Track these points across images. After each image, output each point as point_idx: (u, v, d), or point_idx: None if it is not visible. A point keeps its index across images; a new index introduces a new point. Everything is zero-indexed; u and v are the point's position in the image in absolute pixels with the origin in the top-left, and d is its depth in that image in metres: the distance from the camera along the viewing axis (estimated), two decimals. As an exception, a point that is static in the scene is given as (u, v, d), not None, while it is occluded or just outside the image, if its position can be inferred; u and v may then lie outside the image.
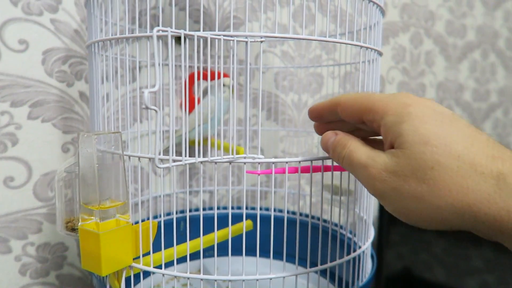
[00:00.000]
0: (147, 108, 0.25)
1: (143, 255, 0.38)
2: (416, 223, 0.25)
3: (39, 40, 0.54)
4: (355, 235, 0.50)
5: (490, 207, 0.21)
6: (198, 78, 0.60)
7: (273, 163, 0.35)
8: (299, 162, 0.36)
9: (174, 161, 0.30)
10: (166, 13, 0.62)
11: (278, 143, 0.77)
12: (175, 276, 0.38)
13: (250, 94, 0.72)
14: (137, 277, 0.38)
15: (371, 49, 0.41)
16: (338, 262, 0.39)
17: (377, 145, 0.28)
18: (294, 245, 0.37)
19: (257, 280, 0.36)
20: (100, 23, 0.41)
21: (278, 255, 0.39)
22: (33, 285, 0.57)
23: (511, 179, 0.22)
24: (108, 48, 0.40)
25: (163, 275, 0.38)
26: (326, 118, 0.33)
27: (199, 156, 0.33)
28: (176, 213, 0.64)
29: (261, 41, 0.33)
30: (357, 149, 0.28)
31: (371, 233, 0.46)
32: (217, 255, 0.39)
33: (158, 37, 0.31)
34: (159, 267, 0.38)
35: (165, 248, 0.41)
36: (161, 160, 0.32)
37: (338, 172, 0.40)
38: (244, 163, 0.34)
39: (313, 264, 0.38)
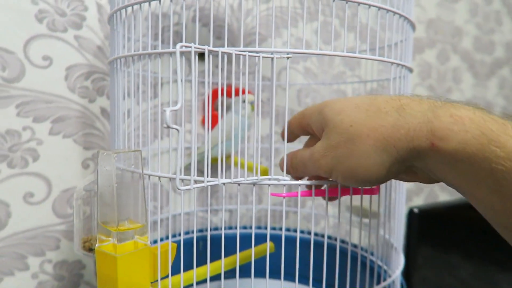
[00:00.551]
0: (168, 127, 0.24)
1: (161, 279, 0.37)
2: (364, 179, 0.28)
3: (63, 56, 0.54)
4: (382, 260, 0.47)
5: (399, 133, 0.26)
6: (222, 95, 0.59)
7: (300, 185, 0.33)
8: (327, 184, 0.34)
9: (196, 182, 0.28)
10: (188, 29, 0.62)
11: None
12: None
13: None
14: (154, 302, 0.37)
15: (402, 65, 0.39)
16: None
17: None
18: (318, 268, 0.35)
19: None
20: (123, 39, 0.40)
21: (302, 279, 0.37)
22: (49, 304, 0.56)
23: (408, 107, 0.27)
24: (130, 64, 0.39)
25: (182, 300, 0.36)
26: (294, 136, 0.37)
27: (221, 176, 0.32)
28: (202, 231, 0.63)
29: (288, 57, 0.32)
30: (303, 152, 0.33)
31: (401, 261, 0.44)
32: (238, 277, 0.37)
33: (181, 53, 0.30)
34: (178, 291, 0.36)
35: (184, 270, 0.40)
36: (182, 181, 0.30)
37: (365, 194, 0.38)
38: (269, 185, 0.33)
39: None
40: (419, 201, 0.95)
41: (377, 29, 0.36)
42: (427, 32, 0.90)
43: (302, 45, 0.72)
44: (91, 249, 0.42)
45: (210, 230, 0.65)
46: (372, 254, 0.47)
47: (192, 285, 0.37)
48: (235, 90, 0.62)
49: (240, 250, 0.39)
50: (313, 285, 0.35)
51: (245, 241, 0.38)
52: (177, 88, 0.24)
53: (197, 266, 0.38)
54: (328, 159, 0.29)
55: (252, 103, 0.55)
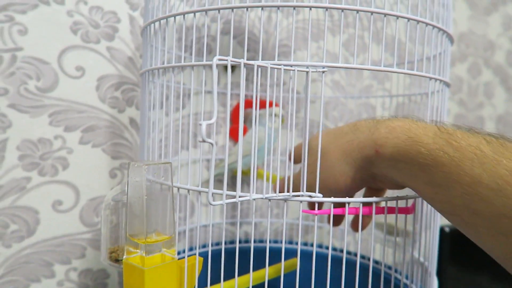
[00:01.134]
0: (204, 141, 0.23)
1: (187, 293, 0.36)
2: (335, 188, 0.33)
3: (95, 67, 0.55)
4: (414, 282, 0.45)
5: (352, 146, 0.32)
6: (253, 106, 0.59)
7: (332, 203, 0.32)
8: (361, 203, 0.32)
9: (227, 196, 0.28)
10: (216, 42, 0.62)
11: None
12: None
13: (298, 124, 0.70)
14: (180, 317, 0.36)
15: (440, 80, 0.38)
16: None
17: None
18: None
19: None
20: (156, 51, 0.40)
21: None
22: (73, 312, 0.56)
23: (359, 126, 0.33)
24: (160, 75, 0.39)
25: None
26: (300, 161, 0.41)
27: (252, 191, 0.31)
28: (218, 244, 0.62)
29: (323, 71, 0.31)
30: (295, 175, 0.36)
31: (434, 285, 0.42)
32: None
33: (210, 66, 0.30)
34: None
35: (210, 284, 0.39)
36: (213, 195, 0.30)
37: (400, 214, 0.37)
38: (301, 201, 0.32)
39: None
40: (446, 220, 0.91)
41: (409, 41, 0.35)
42: (458, 45, 0.88)
43: (330, 58, 0.71)
44: (117, 260, 0.42)
45: (231, 243, 0.64)
46: (406, 277, 0.46)
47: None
48: (262, 102, 0.61)
49: (264, 265, 0.38)
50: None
51: (270, 256, 0.37)
52: (213, 101, 0.24)
53: (214, 278, 0.37)
54: (308, 176, 0.34)
55: (282, 116, 0.54)
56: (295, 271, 0.37)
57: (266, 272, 0.36)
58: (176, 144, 0.58)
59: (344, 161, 0.33)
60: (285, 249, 0.38)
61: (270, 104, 0.61)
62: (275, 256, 0.39)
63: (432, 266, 0.41)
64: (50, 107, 0.52)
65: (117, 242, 0.44)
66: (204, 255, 0.56)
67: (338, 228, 0.69)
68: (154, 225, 0.36)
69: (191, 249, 0.59)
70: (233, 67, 0.62)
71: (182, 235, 0.61)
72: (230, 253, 0.38)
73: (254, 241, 0.65)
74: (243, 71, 0.27)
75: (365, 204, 0.33)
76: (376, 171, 0.32)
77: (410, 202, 0.35)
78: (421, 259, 0.40)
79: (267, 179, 0.53)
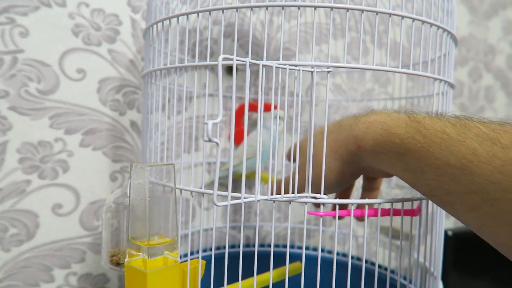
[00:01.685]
0: (210, 140, 0.23)
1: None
2: (327, 184, 0.34)
3: (96, 69, 0.55)
4: (417, 286, 0.44)
5: (338, 143, 0.34)
6: (258, 108, 0.59)
7: (338, 204, 0.32)
8: (366, 205, 0.32)
9: (232, 198, 0.27)
10: (218, 44, 0.62)
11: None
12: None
13: (302, 127, 0.69)
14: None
15: (444, 81, 0.38)
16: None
17: None
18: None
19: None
20: (158, 53, 0.40)
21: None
22: (72, 318, 0.55)
23: (342, 123, 0.35)
24: (162, 78, 0.39)
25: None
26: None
27: (257, 193, 0.30)
28: (220, 248, 0.62)
29: (328, 71, 0.31)
30: (288, 177, 0.37)
31: None
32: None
33: (211, 67, 0.30)
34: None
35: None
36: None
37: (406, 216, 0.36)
38: (306, 203, 0.31)
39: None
40: (449, 224, 0.91)
41: (414, 43, 0.35)
42: (459, 49, 0.88)
43: (332, 61, 0.71)
44: (118, 264, 0.41)
45: (234, 247, 0.64)
46: (410, 281, 0.45)
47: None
48: (265, 105, 0.61)
49: (267, 269, 0.38)
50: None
51: (274, 260, 0.36)
52: (218, 101, 0.24)
53: (223, 284, 0.36)
54: (302, 176, 0.35)
55: (283, 119, 0.54)
56: (298, 275, 0.37)
57: (271, 276, 0.35)
58: (178, 147, 0.57)
59: (332, 158, 0.35)
60: (285, 253, 0.38)
61: (274, 107, 0.61)
62: (276, 260, 0.39)
63: (437, 270, 0.41)
64: (50, 110, 0.52)
65: (118, 246, 0.43)
66: (204, 259, 0.55)
67: (340, 232, 0.69)
68: (156, 228, 0.35)
69: (191, 253, 0.58)
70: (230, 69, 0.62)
71: (183, 239, 0.60)
72: (230, 257, 0.37)
73: (255, 245, 0.65)
74: (248, 71, 0.27)
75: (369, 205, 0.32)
76: (362, 163, 0.34)
77: (416, 204, 0.35)
78: (426, 263, 0.40)
79: (271, 181, 0.52)
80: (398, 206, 0.34)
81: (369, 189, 0.41)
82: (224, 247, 0.62)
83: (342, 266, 0.34)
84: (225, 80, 0.64)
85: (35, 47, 0.51)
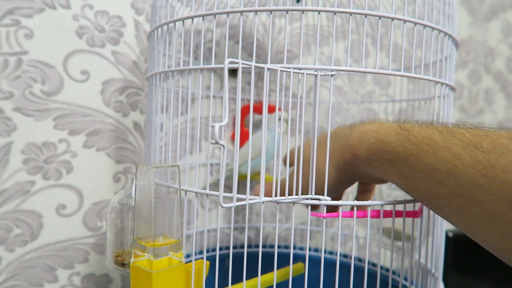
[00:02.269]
0: (216, 142, 0.23)
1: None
2: (327, 189, 0.34)
3: (100, 71, 0.55)
4: (412, 283, 0.45)
5: (335, 152, 0.35)
6: (263, 110, 0.59)
7: (341, 206, 0.32)
8: (369, 206, 0.33)
9: (238, 200, 0.28)
10: (220, 46, 0.62)
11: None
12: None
13: (303, 129, 0.70)
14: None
15: (446, 84, 0.38)
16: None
17: None
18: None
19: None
20: (162, 56, 0.41)
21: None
22: (75, 317, 0.56)
23: (338, 133, 0.36)
24: (167, 79, 0.40)
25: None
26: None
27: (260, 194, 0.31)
28: (221, 249, 0.62)
29: (332, 75, 0.31)
30: (284, 179, 0.38)
31: (441, 288, 0.41)
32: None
33: (215, 70, 0.30)
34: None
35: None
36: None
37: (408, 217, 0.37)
38: (308, 205, 0.32)
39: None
40: (449, 225, 0.91)
41: (415, 46, 0.35)
42: (458, 52, 0.89)
43: (334, 64, 0.71)
44: (123, 264, 0.42)
45: (236, 247, 0.64)
46: (412, 282, 0.45)
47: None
48: (269, 107, 0.61)
49: (269, 270, 0.38)
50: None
51: (273, 261, 0.37)
52: (224, 103, 0.24)
53: (225, 284, 0.37)
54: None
55: (286, 121, 0.54)
56: (299, 276, 0.37)
57: (275, 277, 0.36)
58: (181, 148, 0.58)
59: (329, 165, 0.36)
60: (286, 254, 0.38)
61: (274, 109, 0.61)
62: (278, 260, 0.39)
63: (438, 271, 0.41)
64: (54, 111, 0.52)
65: (123, 246, 0.44)
66: (211, 258, 0.56)
67: (342, 233, 0.69)
68: (161, 229, 0.36)
69: (200, 252, 0.59)
70: (234, 72, 0.63)
71: (185, 240, 0.60)
72: (234, 258, 0.38)
73: (256, 246, 0.65)
74: (253, 74, 0.28)
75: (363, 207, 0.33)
76: (358, 170, 0.35)
77: (418, 205, 0.35)
78: (428, 265, 0.40)
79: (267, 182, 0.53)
80: (400, 207, 0.34)
81: (364, 192, 0.43)
82: (224, 248, 0.63)
83: (342, 267, 0.34)
84: (228, 82, 0.64)
85: (39, 49, 0.51)
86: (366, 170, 0.34)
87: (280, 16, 0.66)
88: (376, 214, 0.33)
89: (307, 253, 0.33)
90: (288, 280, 0.40)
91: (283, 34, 0.67)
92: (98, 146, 0.56)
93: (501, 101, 0.97)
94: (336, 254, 0.62)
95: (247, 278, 0.40)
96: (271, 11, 0.32)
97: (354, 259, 0.59)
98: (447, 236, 0.79)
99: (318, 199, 0.32)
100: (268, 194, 0.38)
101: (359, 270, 0.33)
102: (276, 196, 0.32)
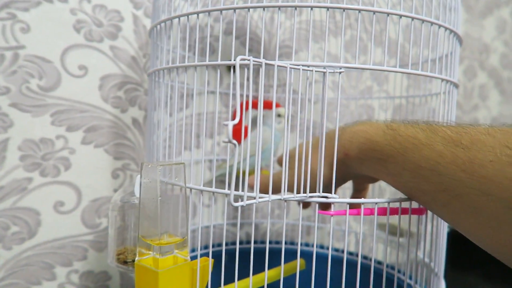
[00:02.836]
0: (230, 141, 0.23)
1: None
2: (326, 186, 0.34)
3: (98, 66, 0.54)
4: (417, 282, 0.45)
5: (328, 153, 0.34)
6: (273, 106, 0.59)
7: (348, 203, 0.32)
8: (376, 203, 0.33)
9: (248, 198, 0.28)
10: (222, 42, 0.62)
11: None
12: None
13: (301, 124, 0.70)
14: (192, 319, 0.36)
15: (449, 81, 0.38)
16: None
17: None
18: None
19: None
20: (165, 52, 0.40)
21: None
22: (74, 315, 0.55)
23: (331, 134, 0.36)
24: (170, 75, 0.39)
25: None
26: None
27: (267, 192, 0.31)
28: (220, 245, 0.62)
29: (340, 72, 0.31)
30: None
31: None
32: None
33: (213, 67, 0.30)
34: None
35: (219, 285, 0.38)
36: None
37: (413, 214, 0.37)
38: (317, 202, 0.32)
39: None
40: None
41: (415, 42, 0.35)
42: (454, 48, 0.89)
43: (331, 59, 0.71)
44: (126, 262, 0.41)
45: (233, 244, 0.64)
46: (410, 277, 0.46)
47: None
48: (266, 103, 0.61)
49: (270, 266, 0.38)
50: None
51: (275, 257, 0.37)
52: (236, 100, 0.24)
53: (226, 280, 0.37)
54: (291, 178, 0.37)
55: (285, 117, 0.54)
56: (302, 272, 0.37)
57: (282, 272, 0.36)
58: (182, 144, 0.57)
59: (325, 165, 0.36)
60: (287, 250, 0.38)
61: (276, 105, 0.61)
62: (278, 257, 0.39)
63: (440, 269, 0.41)
64: (52, 107, 0.51)
65: (124, 244, 0.43)
66: (212, 255, 0.56)
67: (340, 229, 0.70)
68: (166, 227, 0.35)
69: (193, 250, 0.59)
70: (229, 68, 0.62)
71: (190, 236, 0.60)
72: (234, 254, 0.38)
73: (256, 242, 0.65)
74: (263, 71, 0.27)
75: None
76: (350, 170, 0.36)
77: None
78: (431, 263, 0.41)
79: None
80: (406, 205, 0.34)
81: (359, 190, 0.45)
82: (230, 244, 0.63)
83: (341, 262, 0.34)
84: (226, 78, 0.64)
85: (36, 43, 0.50)
86: (357, 169, 0.35)
87: (278, 11, 0.66)
88: (383, 212, 0.33)
89: (314, 249, 0.33)
90: (291, 276, 0.40)
91: (282, 30, 0.67)
92: (97, 143, 0.55)
93: (495, 97, 0.98)
94: (337, 251, 0.62)
95: (248, 274, 0.40)
96: (263, 7, 0.32)
97: (353, 254, 0.59)
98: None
99: (326, 197, 0.32)
100: (262, 187, 0.39)
101: (363, 267, 0.33)
102: (281, 193, 0.32)
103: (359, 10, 0.32)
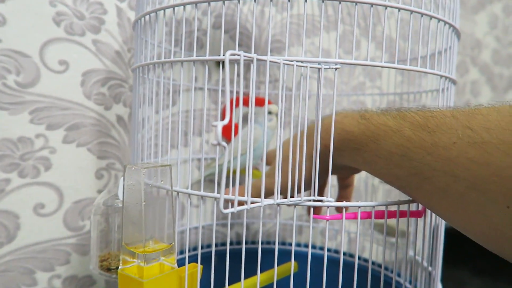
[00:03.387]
0: (219, 144, 0.21)
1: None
2: (304, 182, 0.34)
3: (80, 61, 0.51)
4: (410, 283, 0.44)
5: (309, 145, 0.33)
6: (265, 105, 0.57)
7: (344, 207, 0.30)
8: (373, 207, 0.31)
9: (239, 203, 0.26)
10: (207, 37, 0.59)
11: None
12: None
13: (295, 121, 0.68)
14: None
15: (448, 78, 0.37)
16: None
17: None
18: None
19: None
20: (151, 46, 0.38)
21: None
22: (56, 322, 0.53)
23: (311, 126, 0.36)
24: (155, 70, 0.37)
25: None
26: None
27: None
28: (209, 247, 0.60)
29: (336, 68, 0.29)
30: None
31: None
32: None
33: (202, 62, 0.28)
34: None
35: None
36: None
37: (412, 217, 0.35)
38: (311, 207, 0.30)
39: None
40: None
41: (430, 38, 0.34)
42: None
43: (324, 55, 0.70)
44: (109, 269, 0.39)
45: (222, 245, 0.62)
46: (399, 275, 0.44)
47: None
48: (257, 100, 0.59)
49: (261, 266, 0.36)
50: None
51: (266, 257, 0.35)
52: (226, 98, 0.22)
53: (218, 283, 0.35)
54: (269, 180, 0.37)
55: (277, 115, 0.52)
56: (292, 274, 0.35)
57: (275, 273, 0.34)
58: (172, 142, 0.55)
59: (305, 158, 0.36)
60: (278, 250, 0.37)
61: (263, 102, 0.59)
62: (271, 257, 0.38)
63: (437, 271, 0.40)
64: (31, 104, 0.49)
65: (108, 248, 0.41)
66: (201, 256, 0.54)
67: (333, 228, 0.68)
68: (151, 232, 0.33)
69: (181, 252, 0.57)
70: (218, 64, 0.60)
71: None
72: (224, 255, 0.36)
73: (246, 243, 0.63)
74: (254, 67, 0.25)
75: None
76: (337, 161, 0.36)
77: (421, 205, 0.34)
78: (425, 263, 0.39)
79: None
80: (404, 207, 0.33)
81: (344, 187, 0.45)
82: (215, 245, 0.61)
83: (333, 262, 0.33)
84: (215, 74, 0.62)
85: (13, 37, 0.47)
86: (337, 160, 0.35)
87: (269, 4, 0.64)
88: (381, 215, 0.32)
89: (310, 250, 0.31)
90: (286, 277, 0.38)
91: (272, 25, 0.65)
92: (79, 141, 0.52)
93: (487, 94, 0.98)
94: (329, 251, 0.61)
95: (239, 276, 0.38)
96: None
97: (346, 254, 0.58)
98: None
99: (321, 201, 0.30)
100: (254, 191, 0.38)
101: (350, 266, 0.32)
102: (274, 197, 0.30)
103: (356, 3, 0.30)
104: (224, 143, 0.22)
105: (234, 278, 0.35)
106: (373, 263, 0.54)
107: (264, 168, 0.29)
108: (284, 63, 0.27)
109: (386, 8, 0.31)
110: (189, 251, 0.56)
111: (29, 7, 0.48)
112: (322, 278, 0.31)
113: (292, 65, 0.28)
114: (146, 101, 0.39)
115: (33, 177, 0.50)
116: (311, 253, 0.31)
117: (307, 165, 0.34)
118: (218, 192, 0.31)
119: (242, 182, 0.63)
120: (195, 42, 0.34)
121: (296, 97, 0.66)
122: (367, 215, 0.31)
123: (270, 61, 0.26)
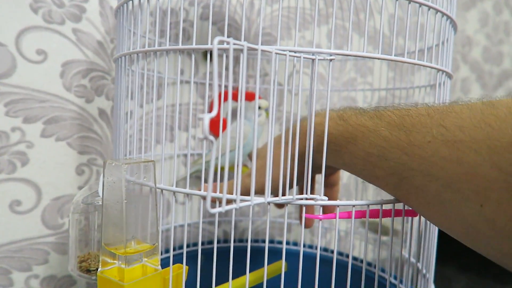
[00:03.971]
0: (206, 138, 0.19)
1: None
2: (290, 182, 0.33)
3: (59, 51, 0.49)
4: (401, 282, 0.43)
5: (292, 145, 0.32)
6: (255, 97, 0.55)
7: (338, 206, 0.29)
8: (368, 206, 0.29)
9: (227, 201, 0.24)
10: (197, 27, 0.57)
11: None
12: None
13: (280, 118, 0.66)
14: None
15: (445, 72, 0.35)
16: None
17: None
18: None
19: None
20: (133, 35, 0.35)
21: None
22: (34, 325, 0.50)
23: (294, 125, 0.33)
24: (139, 60, 0.35)
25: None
26: None
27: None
28: (195, 245, 0.58)
29: (331, 59, 0.27)
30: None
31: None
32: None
33: (188, 51, 0.26)
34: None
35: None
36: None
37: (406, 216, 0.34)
38: (304, 205, 0.28)
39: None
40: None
41: (427, 30, 0.32)
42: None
43: (318, 48, 0.68)
44: (89, 270, 0.37)
45: (209, 243, 0.60)
46: (395, 278, 0.43)
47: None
48: (247, 94, 0.57)
49: (250, 265, 0.35)
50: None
51: (253, 256, 0.33)
52: (213, 90, 0.20)
53: (204, 283, 0.33)
54: (258, 179, 0.37)
55: (266, 110, 0.51)
56: (283, 274, 0.34)
57: (265, 272, 0.32)
58: (157, 137, 0.53)
59: (287, 159, 0.36)
60: (269, 248, 0.35)
61: (253, 97, 0.57)
62: (259, 255, 0.36)
63: (430, 272, 0.39)
64: (6, 95, 0.46)
65: (88, 248, 0.39)
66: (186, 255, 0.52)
67: (322, 226, 0.67)
68: (133, 232, 0.31)
69: (167, 251, 0.55)
70: (206, 55, 0.58)
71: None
72: (209, 254, 0.34)
73: (234, 241, 0.61)
74: (245, 56, 0.23)
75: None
76: (314, 162, 0.35)
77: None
78: (419, 265, 0.38)
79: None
80: (399, 206, 0.31)
81: (329, 185, 0.44)
82: (207, 243, 0.59)
83: (327, 262, 0.32)
84: (202, 67, 0.59)
85: (-13, 24, 0.44)
86: (318, 161, 0.34)
87: (259, -4, 0.62)
88: (376, 214, 0.30)
89: (301, 249, 0.30)
90: (274, 277, 0.37)
91: (262, 17, 0.63)
92: (58, 136, 0.50)
93: (476, 91, 0.98)
94: (319, 249, 0.60)
95: (226, 276, 0.36)
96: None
97: (343, 255, 0.57)
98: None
99: (314, 199, 0.28)
100: (243, 189, 0.38)
101: (341, 266, 0.30)
102: (265, 196, 0.28)
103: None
104: (211, 137, 0.20)
105: (222, 278, 0.34)
106: (362, 261, 0.53)
107: (254, 166, 0.27)
108: (276, 53, 0.25)
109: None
110: (174, 250, 0.54)
111: (4, -8, 0.45)
112: (311, 276, 0.30)
113: (285, 54, 0.26)
114: (128, 94, 0.37)
115: (8, 172, 0.47)
116: (299, 251, 0.30)
117: (292, 164, 0.33)
118: (205, 190, 0.29)
119: (230, 178, 0.62)
120: (180, 33, 0.32)
121: (287, 92, 0.65)
122: (361, 214, 0.30)
123: (262, 50, 0.24)
